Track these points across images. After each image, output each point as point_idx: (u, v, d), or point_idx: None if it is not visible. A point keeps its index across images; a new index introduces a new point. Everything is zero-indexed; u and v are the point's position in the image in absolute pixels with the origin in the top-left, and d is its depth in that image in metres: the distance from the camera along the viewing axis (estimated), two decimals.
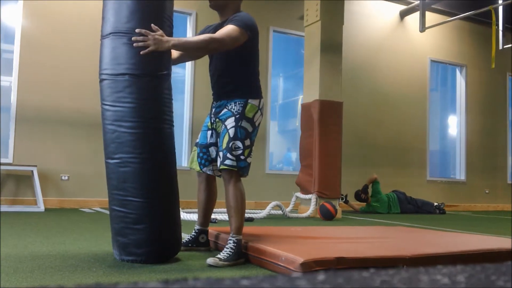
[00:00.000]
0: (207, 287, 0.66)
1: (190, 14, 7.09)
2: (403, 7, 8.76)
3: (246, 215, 5.00)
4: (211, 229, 2.96)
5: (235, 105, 2.47)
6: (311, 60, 6.10)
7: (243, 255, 2.38)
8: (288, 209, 5.67)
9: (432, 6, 8.58)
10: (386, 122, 8.48)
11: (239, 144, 2.43)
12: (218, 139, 2.55)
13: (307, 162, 5.87)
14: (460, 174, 9.42)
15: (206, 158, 2.66)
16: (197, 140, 2.71)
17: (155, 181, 2.31)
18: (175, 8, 7.73)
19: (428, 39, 8.97)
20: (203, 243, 2.79)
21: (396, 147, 8.54)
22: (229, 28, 2.42)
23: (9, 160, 5.80)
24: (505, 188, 9.63)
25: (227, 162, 2.42)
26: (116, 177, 2.30)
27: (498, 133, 9.75)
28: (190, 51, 2.57)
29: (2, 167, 5.59)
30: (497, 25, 7.47)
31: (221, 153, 2.47)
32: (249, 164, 2.49)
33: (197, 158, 2.69)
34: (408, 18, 8.80)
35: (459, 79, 9.58)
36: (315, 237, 2.84)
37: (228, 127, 2.45)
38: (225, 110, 2.50)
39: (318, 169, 5.72)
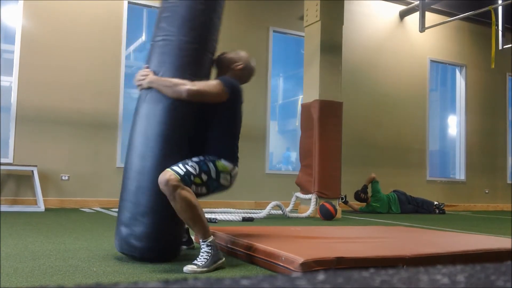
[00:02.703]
0: (207, 287, 0.67)
1: None
2: (403, 7, 8.76)
3: (246, 215, 5.00)
4: (212, 229, 2.95)
5: (207, 157, 2.38)
6: (311, 60, 6.11)
7: (221, 256, 2.27)
8: (288, 209, 5.67)
9: (432, 6, 8.58)
10: (386, 122, 8.48)
11: (196, 167, 2.27)
12: None
13: (307, 162, 5.87)
14: (460, 174, 9.42)
15: None
16: None
17: None
18: None
19: (428, 39, 8.97)
20: (186, 241, 2.76)
21: (396, 147, 8.54)
22: (209, 82, 2.42)
23: (10, 160, 5.80)
24: (505, 188, 9.63)
25: (175, 168, 2.23)
26: (136, 168, 2.35)
27: (498, 133, 9.75)
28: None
29: (2, 167, 5.60)
30: (497, 25, 7.47)
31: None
32: (190, 187, 2.24)
33: None
34: (408, 18, 8.80)
35: (458, 79, 9.59)
36: (315, 237, 2.84)
37: (193, 158, 2.35)
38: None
39: (318, 169, 5.72)
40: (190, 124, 2.42)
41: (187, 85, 2.31)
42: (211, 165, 2.33)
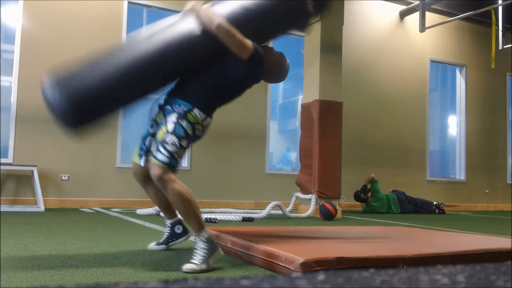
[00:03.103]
0: (207, 287, 0.67)
1: None
2: (403, 7, 8.75)
3: (246, 215, 5.00)
4: (211, 229, 2.95)
5: (179, 107, 2.33)
6: (311, 60, 6.11)
7: (217, 246, 2.25)
8: (288, 209, 5.67)
9: (432, 6, 8.58)
10: (386, 122, 8.48)
11: (175, 140, 2.26)
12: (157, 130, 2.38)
13: (307, 162, 5.87)
14: (460, 174, 9.41)
15: (143, 148, 2.43)
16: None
17: None
18: (175, 8, 7.73)
19: (428, 39, 8.97)
20: (181, 233, 2.75)
21: (396, 147, 8.54)
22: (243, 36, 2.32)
23: (9, 160, 5.80)
24: (505, 188, 9.63)
25: (159, 156, 2.24)
26: None
27: (498, 133, 9.75)
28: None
29: (2, 167, 5.59)
30: (497, 25, 7.48)
31: (154, 145, 2.31)
32: (179, 164, 2.31)
33: (139, 151, 2.46)
34: (408, 18, 8.80)
35: (459, 79, 9.58)
36: (315, 237, 2.84)
37: (167, 120, 2.31)
38: (168, 107, 2.37)
39: (318, 169, 5.72)
40: (197, 53, 2.34)
41: (221, 20, 2.24)
42: (184, 123, 2.28)
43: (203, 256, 2.18)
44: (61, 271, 2.05)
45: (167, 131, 2.28)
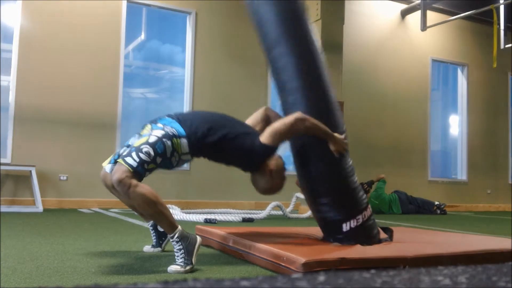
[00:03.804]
0: None
1: (189, 14, 7.07)
2: (404, 6, 8.74)
3: (247, 216, 4.98)
4: (213, 229, 2.93)
5: (171, 128, 2.27)
6: None
7: (193, 239, 2.17)
8: (288, 209, 5.65)
9: (433, 5, 8.56)
10: (387, 122, 8.46)
11: (151, 152, 2.16)
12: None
13: None
14: (461, 174, 9.39)
15: (116, 155, 2.36)
16: None
17: None
18: (174, 7, 7.73)
19: (429, 38, 8.95)
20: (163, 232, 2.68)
21: (397, 147, 8.52)
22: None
23: (8, 160, 5.79)
24: (507, 189, 9.60)
25: (128, 160, 2.12)
26: None
27: (500, 133, 9.73)
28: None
29: (1, 167, 5.58)
30: (499, 24, 7.45)
31: (127, 150, 2.21)
32: (144, 176, 2.17)
33: (112, 157, 2.41)
34: (409, 17, 8.78)
35: (460, 78, 9.57)
36: (316, 237, 2.82)
37: (151, 133, 2.24)
38: (160, 125, 2.31)
39: None
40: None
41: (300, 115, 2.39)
42: (168, 143, 2.22)
43: (183, 257, 2.13)
44: (59, 272, 2.03)
45: (147, 142, 2.19)
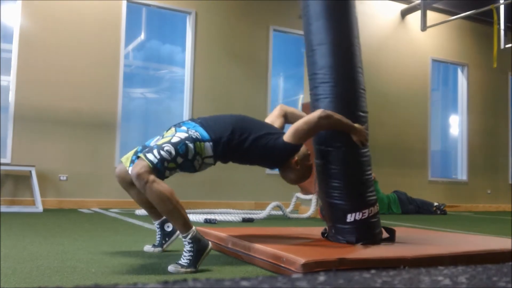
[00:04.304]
0: None
1: (189, 13, 7.07)
2: (404, 6, 8.74)
3: (246, 216, 4.98)
4: (212, 230, 2.93)
5: (194, 132, 2.31)
6: None
7: (205, 244, 2.17)
8: (288, 209, 5.65)
9: (433, 5, 8.56)
10: (387, 121, 8.46)
11: (173, 151, 2.19)
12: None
13: None
14: (461, 174, 9.39)
15: (137, 154, 2.39)
16: None
17: None
18: (174, 7, 7.72)
19: (429, 38, 8.95)
20: (172, 230, 2.68)
21: (397, 147, 8.52)
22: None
23: (7, 160, 5.78)
24: (507, 189, 9.60)
25: (149, 156, 2.15)
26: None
27: (500, 133, 9.73)
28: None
29: (1, 167, 5.58)
30: (499, 24, 7.45)
31: (149, 148, 2.23)
32: (164, 174, 2.19)
33: (133, 155, 2.45)
34: (409, 17, 8.78)
35: (460, 78, 9.56)
36: (316, 238, 2.82)
37: (175, 135, 2.27)
38: (184, 128, 2.35)
39: None
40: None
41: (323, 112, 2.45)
42: (190, 146, 2.24)
43: (189, 258, 2.12)
44: (59, 272, 2.03)
45: (169, 141, 2.23)
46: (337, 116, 2.44)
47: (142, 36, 7.21)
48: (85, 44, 6.31)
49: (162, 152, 2.17)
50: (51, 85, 6.09)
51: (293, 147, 2.41)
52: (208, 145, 2.31)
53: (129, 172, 2.30)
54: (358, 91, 2.61)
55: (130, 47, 7.01)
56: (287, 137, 2.39)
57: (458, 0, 8.59)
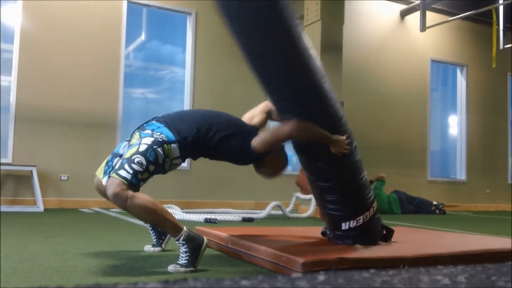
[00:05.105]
0: None
1: (190, 14, 7.08)
2: (403, 6, 8.74)
3: (246, 216, 4.99)
4: (212, 230, 2.94)
5: (160, 135, 2.25)
6: None
7: (200, 242, 2.16)
8: (288, 209, 5.65)
9: (433, 5, 8.56)
10: (387, 122, 8.47)
11: (143, 161, 2.13)
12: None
13: None
14: (461, 174, 9.40)
15: (110, 166, 2.33)
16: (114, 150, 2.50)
17: None
18: (174, 7, 7.71)
19: (428, 38, 8.96)
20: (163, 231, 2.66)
21: (396, 147, 8.52)
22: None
23: (8, 160, 5.79)
24: (506, 189, 9.61)
25: (122, 172, 2.10)
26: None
27: (499, 133, 9.73)
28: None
29: (2, 167, 5.59)
30: (498, 24, 7.46)
31: (120, 163, 2.17)
32: (139, 186, 2.15)
33: (105, 166, 2.37)
34: (408, 18, 8.78)
35: (459, 78, 9.57)
36: (315, 237, 2.83)
37: (141, 142, 2.20)
38: (148, 131, 2.28)
39: None
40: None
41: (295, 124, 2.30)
42: (159, 150, 2.19)
43: (187, 259, 2.14)
44: (60, 271, 2.04)
45: (137, 151, 2.17)
46: (312, 128, 2.27)
47: (143, 37, 7.21)
48: (85, 44, 6.32)
49: (133, 166, 2.12)
50: (52, 85, 6.09)
51: (258, 155, 2.35)
52: (175, 146, 2.25)
53: (103, 183, 2.28)
54: (325, 102, 2.37)
55: (131, 47, 7.02)
56: (256, 142, 2.30)
57: (458, 0, 8.60)
